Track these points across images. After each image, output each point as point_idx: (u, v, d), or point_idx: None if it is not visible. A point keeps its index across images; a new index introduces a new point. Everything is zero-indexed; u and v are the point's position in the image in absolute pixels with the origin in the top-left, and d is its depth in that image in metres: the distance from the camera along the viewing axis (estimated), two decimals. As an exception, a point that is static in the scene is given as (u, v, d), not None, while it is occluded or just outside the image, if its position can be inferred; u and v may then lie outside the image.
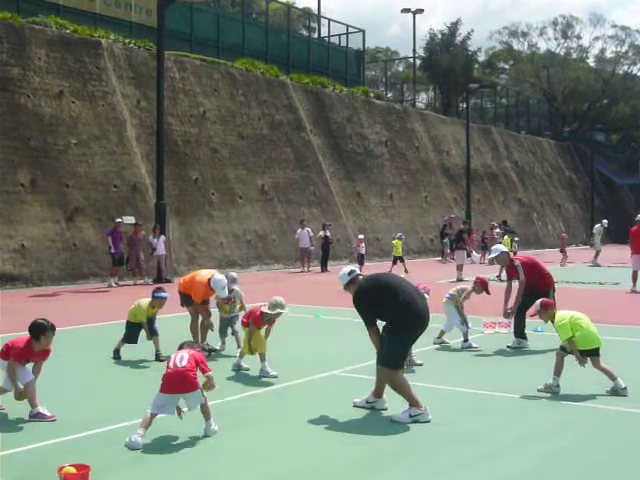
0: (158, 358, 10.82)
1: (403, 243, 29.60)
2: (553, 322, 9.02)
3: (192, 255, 27.91)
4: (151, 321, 11.09)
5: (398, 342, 7.88)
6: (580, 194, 63.99)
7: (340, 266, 31.18)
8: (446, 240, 37.20)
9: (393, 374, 7.91)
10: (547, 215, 57.03)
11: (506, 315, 12.12)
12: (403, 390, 7.89)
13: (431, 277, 23.31)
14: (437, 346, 12.18)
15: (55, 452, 6.72)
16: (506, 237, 31.90)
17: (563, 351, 8.89)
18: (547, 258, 30.69)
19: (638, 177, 76.39)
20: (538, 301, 9.43)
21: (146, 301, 11.08)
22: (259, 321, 9.82)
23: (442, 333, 12.32)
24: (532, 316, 9.69)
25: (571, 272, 27.77)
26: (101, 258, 24.42)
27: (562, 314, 9.00)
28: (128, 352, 11.03)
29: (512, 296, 12.17)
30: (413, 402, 7.79)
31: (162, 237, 24.18)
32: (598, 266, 31.93)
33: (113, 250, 23.42)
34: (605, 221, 36.65)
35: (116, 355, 11.09)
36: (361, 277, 8.26)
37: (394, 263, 28.30)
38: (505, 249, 12.95)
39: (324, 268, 30.49)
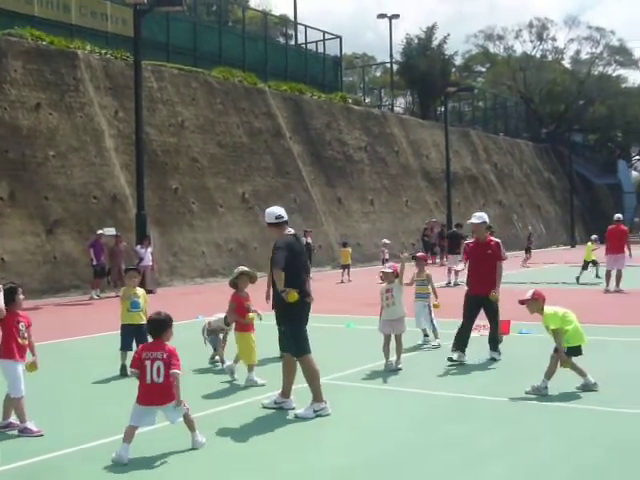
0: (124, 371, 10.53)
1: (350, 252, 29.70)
2: (542, 314, 8.94)
3: (173, 265, 27.77)
4: (142, 332, 10.79)
5: (299, 328, 8.14)
6: (559, 195, 64.24)
7: (322, 273, 31.32)
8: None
9: (310, 360, 8.14)
10: (527, 217, 57.19)
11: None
12: (315, 379, 8.08)
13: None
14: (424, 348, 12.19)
15: (42, 469, 6.63)
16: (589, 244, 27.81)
17: (557, 353, 8.87)
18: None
19: (616, 177, 76.89)
20: (531, 290, 9.20)
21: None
22: (242, 309, 10.00)
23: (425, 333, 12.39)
24: (522, 303, 9.19)
25: (553, 273, 27.79)
26: (82, 270, 24.24)
27: (552, 308, 9.00)
28: (113, 365, 10.88)
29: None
30: (316, 396, 8.04)
31: (149, 248, 24.07)
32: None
33: (95, 262, 23.29)
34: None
35: (123, 371, 10.61)
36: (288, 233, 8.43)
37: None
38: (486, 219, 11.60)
39: (306, 275, 30.35)
